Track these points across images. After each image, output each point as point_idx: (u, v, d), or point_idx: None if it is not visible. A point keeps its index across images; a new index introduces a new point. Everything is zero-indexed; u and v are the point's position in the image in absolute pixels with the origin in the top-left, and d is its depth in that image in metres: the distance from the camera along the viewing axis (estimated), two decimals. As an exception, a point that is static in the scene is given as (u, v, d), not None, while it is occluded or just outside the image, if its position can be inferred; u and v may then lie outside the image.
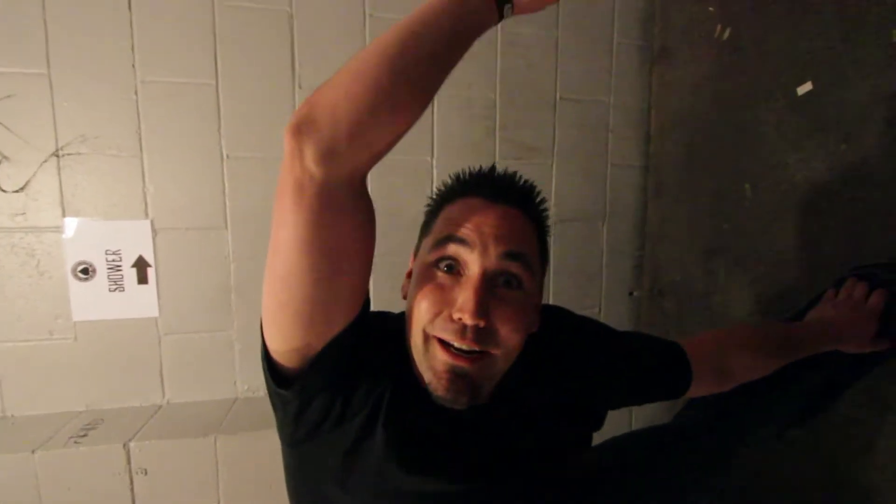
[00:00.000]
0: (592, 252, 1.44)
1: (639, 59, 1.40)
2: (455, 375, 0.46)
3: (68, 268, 1.09)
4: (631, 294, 1.48)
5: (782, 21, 1.00)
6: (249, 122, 1.15)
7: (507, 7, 0.44)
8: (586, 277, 1.43)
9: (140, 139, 1.10)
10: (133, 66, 1.07)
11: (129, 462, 1.00)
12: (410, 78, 0.40)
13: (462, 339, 0.45)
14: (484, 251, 0.47)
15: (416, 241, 0.60)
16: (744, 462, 0.75)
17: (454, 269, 0.48)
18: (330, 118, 0.38)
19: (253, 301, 1.19)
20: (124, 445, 1.00)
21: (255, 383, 1.23)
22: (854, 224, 0.88)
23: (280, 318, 0.44)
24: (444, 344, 0.47)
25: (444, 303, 0.47)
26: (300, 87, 1.17)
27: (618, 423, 1.27)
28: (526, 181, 0.56)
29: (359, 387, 0.47)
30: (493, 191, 0.52)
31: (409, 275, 0.56)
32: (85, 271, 1.10)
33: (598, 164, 1.41)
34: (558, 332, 0.59)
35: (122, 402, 1.15)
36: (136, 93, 1.08)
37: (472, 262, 0.47)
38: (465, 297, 0.45)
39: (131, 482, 1.01)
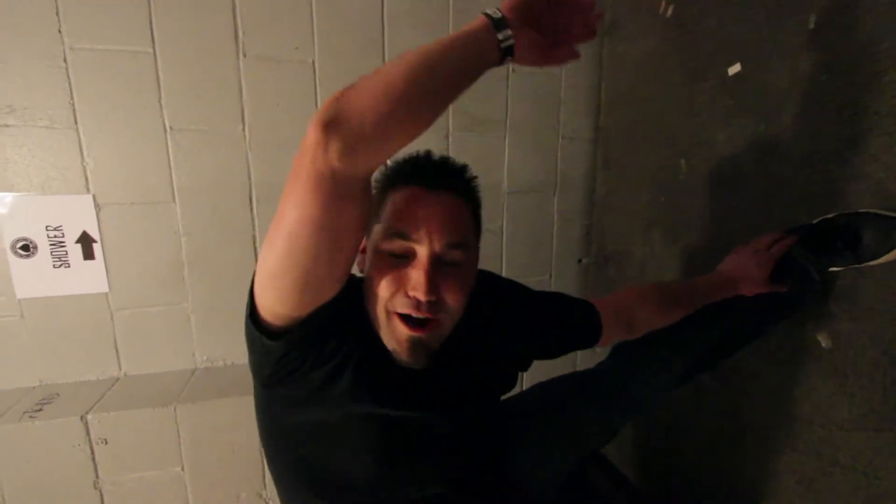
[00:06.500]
0: (544, 221, 1.50)
1: (591, 30, 1.41)
2: (414, 344, 0.57)
3: (7, 244, 1.06)
4: (580, 261, 1.57)
5: (716, 2, 1.04)
6: (193, 93, 1.11)
7: (507, 57, 0.53)
8: (538, 245, 1.50)
9: (74, 110, 1.05)
10: (59, 31, 1.01)
11: (88, 433, 1.03)
12: (427, 102, 0.48)
13: (418, 311, 0.56)
14: (430, 242, 0.56)
15: None
16: (642, 405, 0.85)
17: (404, 254, 0.57)
18: (357, 124, 0.44)
19: (207, 274, 1.20)
20: (82, 418, 1.02)
21: (215, 353, 1.25)
22: (768, 199, 0.96)
23: (280, 283, 0.50)
24: (403, 317, 0.57)
25: (399, 283, 0.56)
26: (244, 55, 1.13)
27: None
28: (457, 164, 0.62)
29: (329, 341, 0.56)
30: (432, 180, 0.59)
31: (364, 250, 0.62)
32: (25, 248, 1.08)
33: (550, 136, 1.44)
34: (489, 294, 0.71)
35: (76, 377, 1.16)
36: (65, 60, 1.02)
37: (421, 251, 0.56)
38: (417, 279, 0.55)
39: (92, 452, 1.04)
